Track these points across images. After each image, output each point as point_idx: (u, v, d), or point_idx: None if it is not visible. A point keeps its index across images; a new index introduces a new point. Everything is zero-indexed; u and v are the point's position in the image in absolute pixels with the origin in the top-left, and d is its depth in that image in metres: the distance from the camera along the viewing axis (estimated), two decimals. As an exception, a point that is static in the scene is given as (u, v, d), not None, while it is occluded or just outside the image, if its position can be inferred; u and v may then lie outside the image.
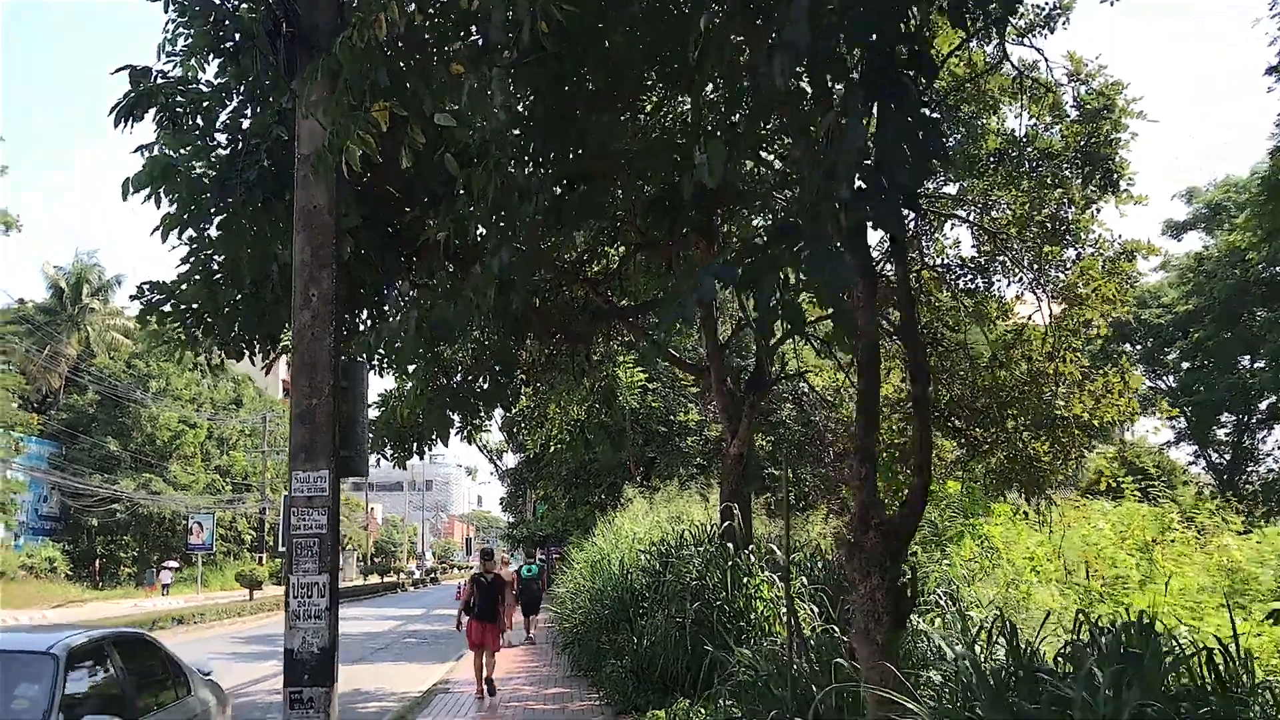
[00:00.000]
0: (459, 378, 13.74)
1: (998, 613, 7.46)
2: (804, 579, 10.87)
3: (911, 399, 8.27)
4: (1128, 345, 39.77)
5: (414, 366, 12.81)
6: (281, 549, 52.49)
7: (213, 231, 8.23)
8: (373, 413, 14.92)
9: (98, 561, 53.81)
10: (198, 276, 8.77)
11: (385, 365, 12.36)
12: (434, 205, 10.05)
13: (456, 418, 15.29)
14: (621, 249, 13.60)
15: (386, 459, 16.16)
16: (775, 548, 11.18)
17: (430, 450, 16.07)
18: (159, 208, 7.91)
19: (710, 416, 26.80)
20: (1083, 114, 12.55)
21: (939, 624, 8.28)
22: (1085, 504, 14.77)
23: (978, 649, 6.75)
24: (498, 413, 19.17)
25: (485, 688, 13.99)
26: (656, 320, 14.52)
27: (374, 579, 73.61)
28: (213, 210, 8.04)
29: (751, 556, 11.38)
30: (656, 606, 11.99)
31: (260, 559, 57.49)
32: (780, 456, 27.14)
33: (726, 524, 12.08)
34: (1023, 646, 5.99)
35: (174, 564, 51.75)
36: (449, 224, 7.24)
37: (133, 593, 50.14)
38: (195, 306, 9.00)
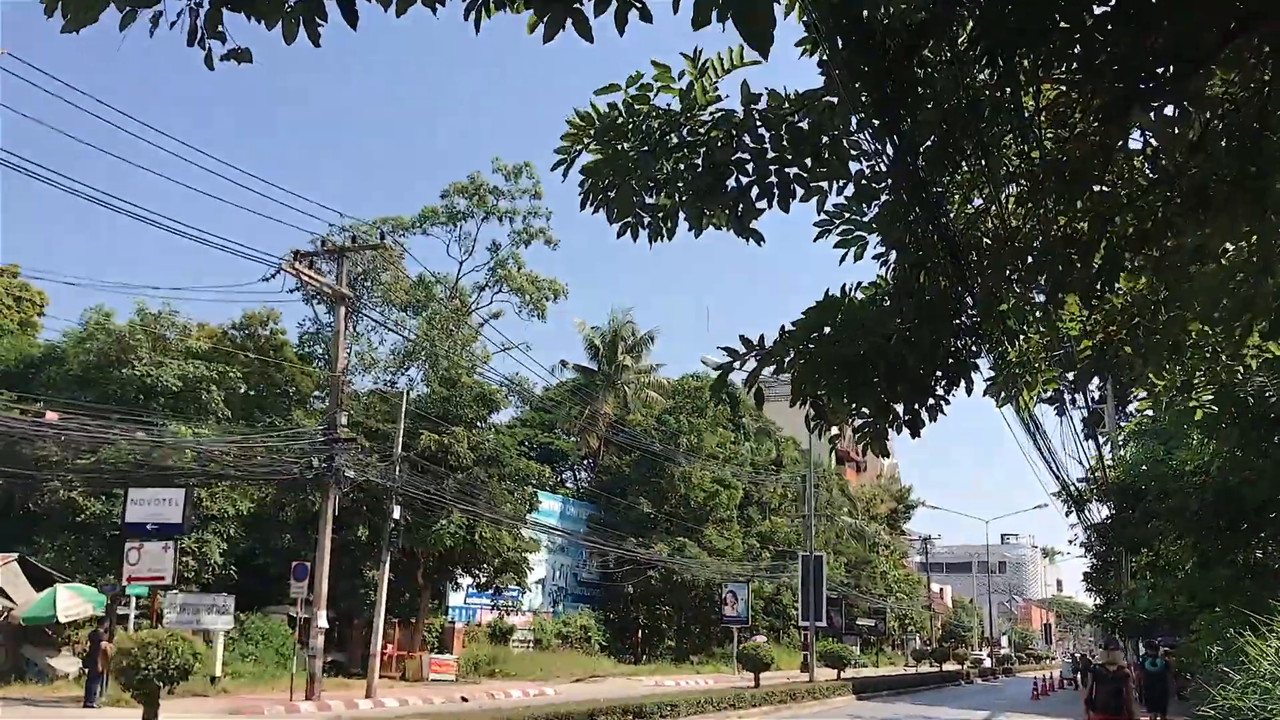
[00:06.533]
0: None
1: None
2: None
3: None
4: None
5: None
6: (803, 625, 44.81)
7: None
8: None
9: (640, 632, 50.62)
10: None
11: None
12: None
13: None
14: None
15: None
16: None
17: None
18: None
19: None
20: None
21: None
22: None
23: None
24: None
25: None
26: None
27: (927, 667, 62.46)
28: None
29: None
30: None
31: (806, 638, 50.49)
32: None
33: None
34: None
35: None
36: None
37: (667, 668, 45.70)
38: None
